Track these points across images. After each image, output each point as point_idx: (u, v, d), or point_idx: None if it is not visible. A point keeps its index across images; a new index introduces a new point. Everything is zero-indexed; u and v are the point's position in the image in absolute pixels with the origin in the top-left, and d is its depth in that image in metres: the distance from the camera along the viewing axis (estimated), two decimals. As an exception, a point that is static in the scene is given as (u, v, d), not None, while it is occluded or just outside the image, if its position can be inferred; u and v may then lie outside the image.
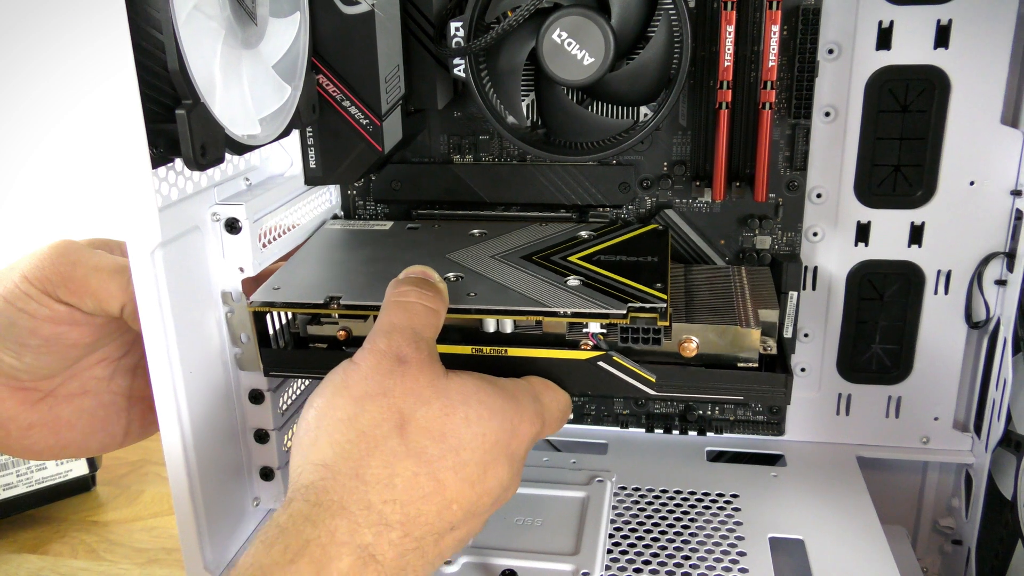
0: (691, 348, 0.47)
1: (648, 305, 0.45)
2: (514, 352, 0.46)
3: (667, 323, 0.45)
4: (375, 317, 0.47)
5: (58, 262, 0.43)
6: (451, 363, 0.46)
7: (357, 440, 0.36)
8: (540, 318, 0.46)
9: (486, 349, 0.47)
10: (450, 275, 0.49)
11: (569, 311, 0.45)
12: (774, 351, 0.48)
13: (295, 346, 0.50)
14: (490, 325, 0.48)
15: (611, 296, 0.46)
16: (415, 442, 0.37)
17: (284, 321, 0.50)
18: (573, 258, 0.52)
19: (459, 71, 0.51)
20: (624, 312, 0.45)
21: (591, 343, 0.47)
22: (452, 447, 0.38)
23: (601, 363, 0.46)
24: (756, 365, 0.47)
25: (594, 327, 0.46)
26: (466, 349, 0.47)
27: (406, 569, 0.36)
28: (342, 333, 0.48)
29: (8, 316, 0.42)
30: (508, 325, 0.48)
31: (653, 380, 0.46)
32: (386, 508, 0.35)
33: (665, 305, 0.45)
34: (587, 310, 0.45)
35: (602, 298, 0.46)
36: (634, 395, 0.47)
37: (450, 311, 0.45)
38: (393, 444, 0.37)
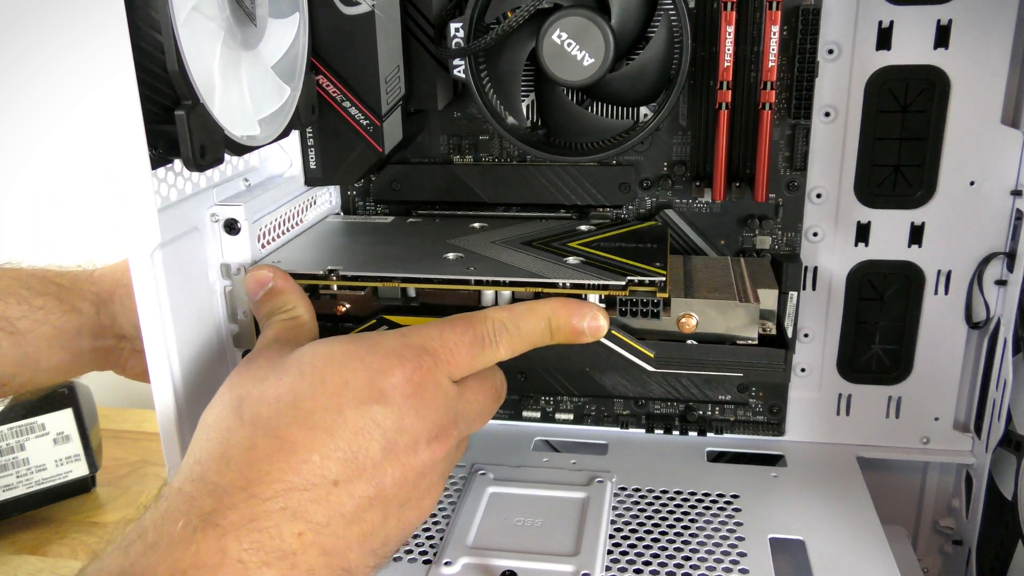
0: (690, 324, 0.47)
1: (647, 279, 0.45)
2: None
3: (666, 295, 0.45)
4: (374, 290, 0.48)
5: None
6: None
7: (200, 435, 0.37)
8: (539, 290, 0.46)
9: None
10: (450, 255, 0.49)
11: (568, 283, 0.45)
12: (773, 332, 0.48)
13: None
14: (488, 298, 0.48)
15: (610, 272, 0.46)
16: (249, 413, 0.36)
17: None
18: (573, 244, 0.52)
19: (459, 72, 0.51)
20: (623, 284, 0.45)
21: None
22: (288, 403, 0.36)
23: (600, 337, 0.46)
24: (755, 342, 0.47)
25: (593, 300, 0.47)
26: None
27: (270, 531, 0.33)
28: (340, 308, 0.49)
29: None
30: (506, 299, 0.48)
31: (652, 356, 0.46)
32: (223, 479, 0.34)
33: (664, 278, 0.45)
34: (586, 282, 0.45)
35: (601, 273, 0.46)
36: (633, 371, 0.47)
37: (448, 283, 0.46)
38: (228, 423, 0.36)
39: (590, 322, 0.44)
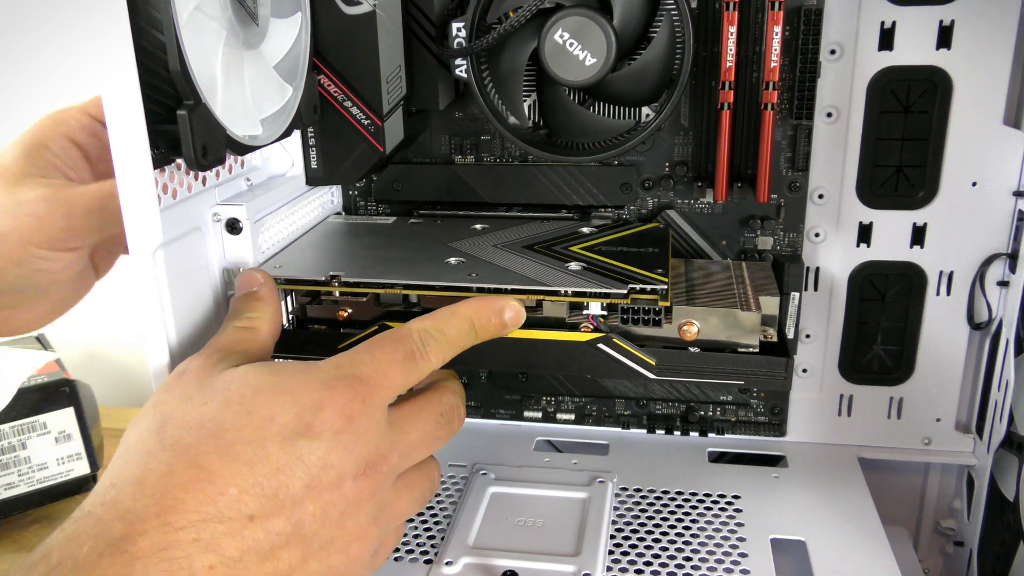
0: (692, 332, 0.47)
1: (649, 287, 0.45)
2: (514, 333, 0.46)
3: (668, 303, 0.45)
4: (376, 296, 0.47)
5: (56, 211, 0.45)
6: None
7: (120, 456, 0.36)
8: (541, 298, 0.46)
9: None
10: (451, 260, 0.49)
11: (570, 291, 0.45)
12: (775, 339, 0.48)
13: (295, 327, 0.50)
14: None
15: (612, 279, 0.46)
16: (171, 437, 0.35)
17: (291, 307, 0.50)
18: (575, 248, 0.52)
19: (461, 71, 0.51)
20: (625, 292, 0.45)
21: (591, 325, 0.47)
22: (210, 431, 0.35)
23: (601, 345, 0.46)
24: (756, 350, 0.47)
25: (594, 308, 0.47)
26: None
27: (180, 561, 0.32)
28: (342, 313, 0.49)
29: (25, 278, 0.46)
30: None
31: (653, 363, 0.46)
32: (137, 504, 0.33)
33: (666, 287, 0.45)
34: (588, 290, 0.45)
35: (603, 280, 0.46)
36: (634, 378, 0.47)
37: (450, 290, 0.46)
38: (149, 445, 0.35)
39: (510, 314, 0.44)
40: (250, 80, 0.42)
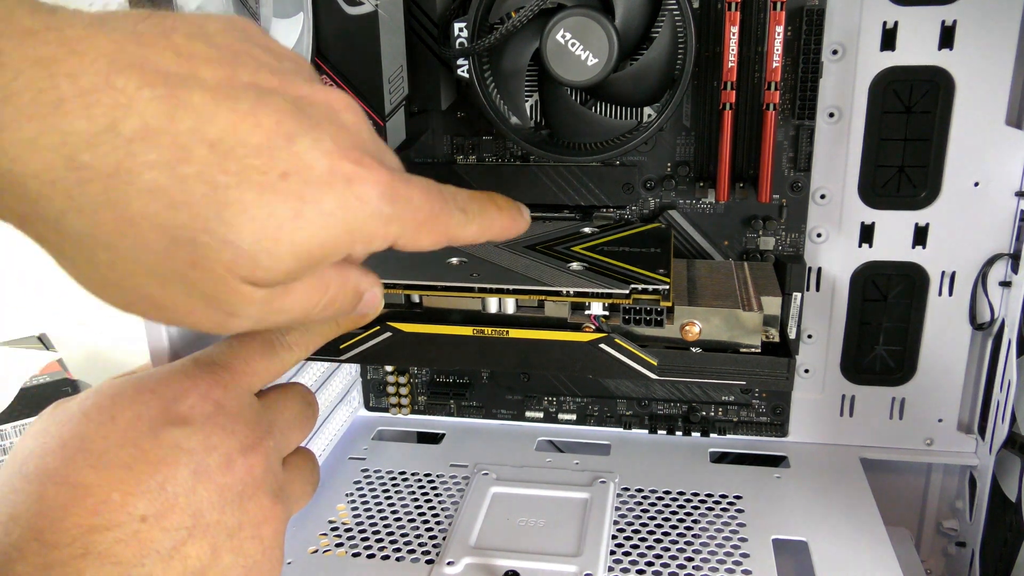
0: (693, 332, 0.47)
1: (651, 287, 0.45)
2: (515, 334, 0.47)
3: (669, 303, 0.45)
4: None
5: None
6: (452, 345, 0.47)
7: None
8: (542, 298, 0.46)
9: (487, 331, 0.47)
10: (453, 260, 0.49)
11: (572, 291, 0.45)
12: (776, 339, 0.48)
13: None
14: (491, 305, 0.48)
15: (614, 279, 0.46)
16: (34, 469, 0.33)
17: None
18: (577, 248, 0.52)
19: (463, 72, 0.51)
20: (627, 292, 0.45)
21: (593, 326, 0.47)
22: (76, 448, 0.33)
23: (603, 345, 0.46)
24: (758, 350, 0.47)
25: (596, 308, 0.47)
26: (467, 331, 0.47)
27: (54, 567, 0.31)
28: None
29: None
30: (510, 306, 0.48)
31: (655, 364, 0.46)
32: (11, 537, 0.31)
33: (668, 287, 0.45)
34: (590, 290, 0.45)
35: (605, 280, 0.46)
36: (636, 379, 0.47)
37: (452, 290, 0.46)
38: (14, 484, 0.33)
39: (367, 302, 0.42)
40: (252, 80, 0.42)
